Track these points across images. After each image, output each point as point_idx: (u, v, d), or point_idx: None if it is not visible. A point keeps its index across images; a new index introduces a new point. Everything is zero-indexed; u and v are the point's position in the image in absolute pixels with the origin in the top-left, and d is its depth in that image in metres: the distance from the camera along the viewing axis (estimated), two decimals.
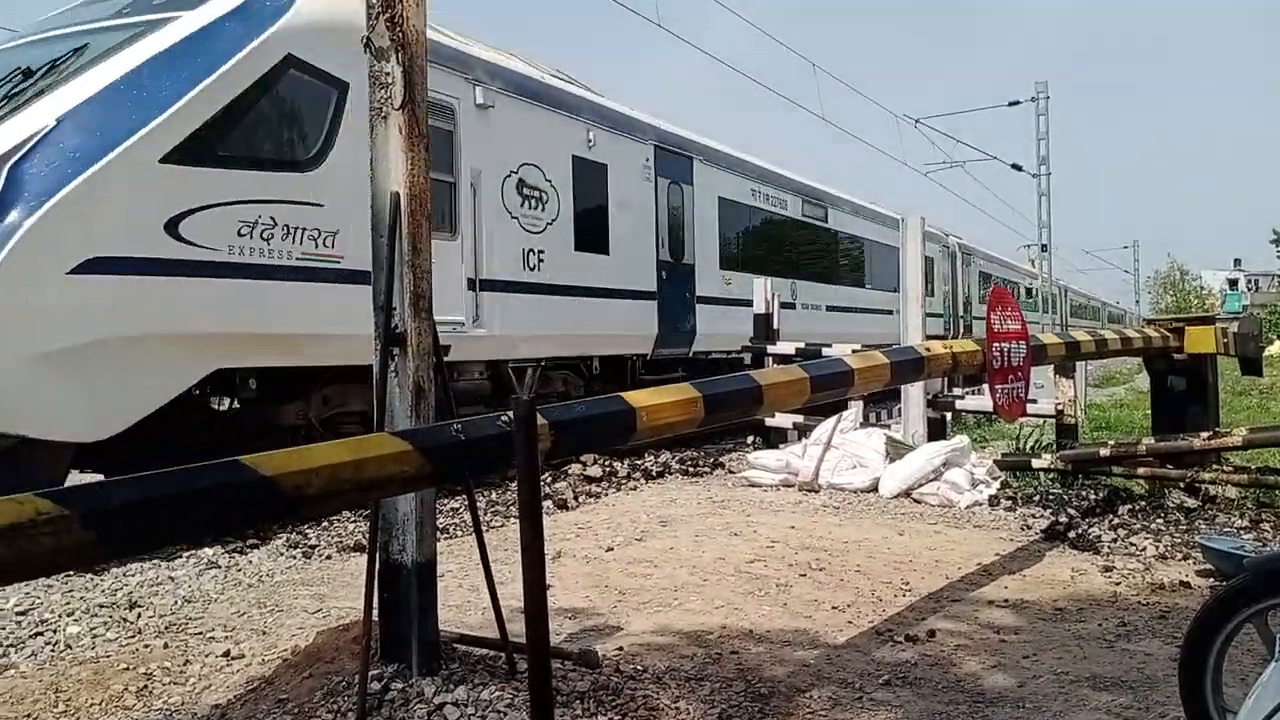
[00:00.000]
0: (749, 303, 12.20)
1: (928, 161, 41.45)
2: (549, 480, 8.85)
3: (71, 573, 5.45)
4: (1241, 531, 6.56)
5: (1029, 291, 34.79)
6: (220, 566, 6.03)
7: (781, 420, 10.86)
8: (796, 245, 17.71)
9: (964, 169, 32.49)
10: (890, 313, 20.90)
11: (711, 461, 10.63)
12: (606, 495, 8.62)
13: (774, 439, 11.18)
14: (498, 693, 3.36)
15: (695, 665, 4.06)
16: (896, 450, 8.84)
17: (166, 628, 4.73)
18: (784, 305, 14.77)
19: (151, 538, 2.22)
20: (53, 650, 4.43)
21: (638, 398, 3.45)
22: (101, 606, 5.06)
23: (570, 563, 5.92)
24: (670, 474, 9.89)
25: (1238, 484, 7.43)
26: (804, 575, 5.60)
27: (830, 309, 18.85)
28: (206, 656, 4.24)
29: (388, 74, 3.47)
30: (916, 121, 28.97)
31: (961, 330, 28.65)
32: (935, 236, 26.62)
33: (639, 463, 9.98)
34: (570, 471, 9.30)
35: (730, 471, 9.91)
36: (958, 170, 32.46)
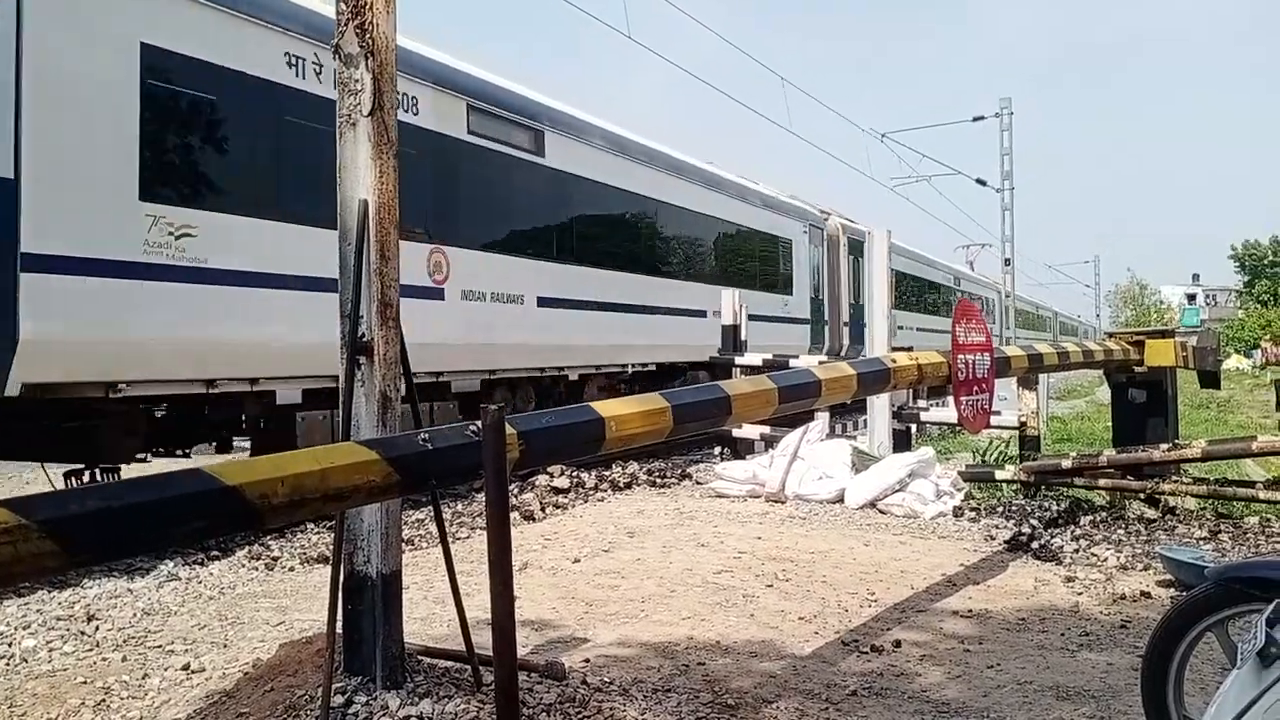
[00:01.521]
0: (288, 281, 7.51)
1: (894, 176, 41.89)
2: (516, 491, 8.79)
3: (28, 584, 5.35)
4: (1201, 542, 6.66)
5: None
6: (180, 578, 5.94)
7: (749, 431, 10.89)
8: (445, 186, 9.96)
9: (929, 183, 32.84)
10: (704, 314, 14.40)
11: (679, 473, 10.63)
12: (574, 506, 8.60)
13: (741, 450, 11.20)
14: (463, 705, 3.33)
15: (662, 677, 4.05)
16: (862, 461, 8.90)
17: (125, 641, 4.65)
18: (412, 292, 8.01)
19: (112, 548, 2.18)
20: (7, 664, 4.34)
21: (607, 407, 3.44)
22: (59, 619, 4.97)
23: (537, 574, 5.90)
24: (638, 485, 9.87)
25: (1197, 495, 7.55)
26: (770, 586, 5.61)
27: (545, 303, 11.37)
28: (166, 670, 4.18)
29: (357, 81, 3.45)
30: (883, 136, 29.24)
31: (843, 349, 20.95)
32: (795, 210, 19.76)
33: (606, 474, 9.95)
34: (537, 483, 9.24)
35: (698, 483, 9.92)
36: (923, 184, 32.77)
